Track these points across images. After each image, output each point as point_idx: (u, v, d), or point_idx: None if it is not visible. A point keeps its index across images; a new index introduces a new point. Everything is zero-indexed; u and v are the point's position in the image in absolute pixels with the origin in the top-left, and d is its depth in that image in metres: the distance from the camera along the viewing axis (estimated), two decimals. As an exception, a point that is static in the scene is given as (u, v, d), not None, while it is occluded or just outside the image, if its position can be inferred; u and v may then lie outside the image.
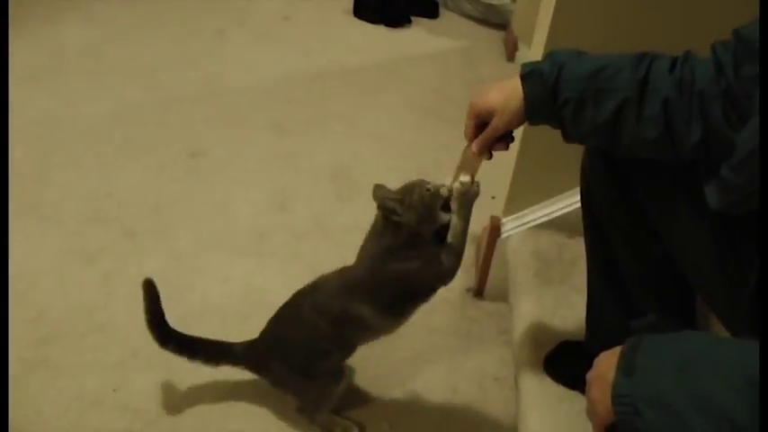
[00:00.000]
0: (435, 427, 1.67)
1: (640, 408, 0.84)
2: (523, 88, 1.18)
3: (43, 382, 1.71)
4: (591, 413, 0.97)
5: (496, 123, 1.24)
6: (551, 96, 1.16)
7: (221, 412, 1.67)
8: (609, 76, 1.12)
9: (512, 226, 1.86)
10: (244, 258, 2.08)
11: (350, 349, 1.53)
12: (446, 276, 1.40)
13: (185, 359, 1.58)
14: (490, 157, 1.31)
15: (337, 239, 2.16)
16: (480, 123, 1.27)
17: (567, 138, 1.21)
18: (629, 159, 1.23)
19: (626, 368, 0.88)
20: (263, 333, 1.59)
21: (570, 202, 1.79)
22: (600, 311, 1.48)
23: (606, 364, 0.93)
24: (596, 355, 1.49)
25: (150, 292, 1.57)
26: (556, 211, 1.81)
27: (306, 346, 1.51)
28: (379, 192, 1.38)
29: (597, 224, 1.40)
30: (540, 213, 1.83)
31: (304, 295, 1.52)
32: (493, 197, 2.26)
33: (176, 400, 1.69)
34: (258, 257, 2.08)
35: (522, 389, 1.54)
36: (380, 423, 1.67)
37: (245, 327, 1.74)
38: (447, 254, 1.37)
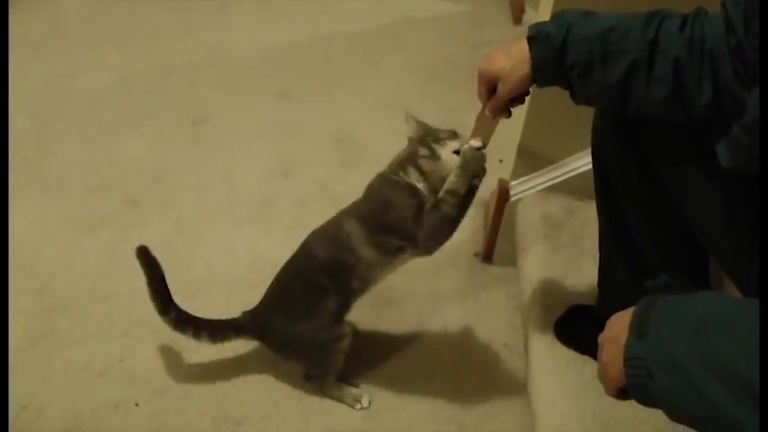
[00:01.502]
0: (444, 395, 1.65)
1: (653, 371, 0.81)
2: (530, 51, 1.16)
3: (49, 352, 1.70)
4: (602, 376, 0.94)
5: (502, 91, 1.24)
6: (559, 58, 1.14)
7: (228, 382, 1.65)
8: (617, 36, 1.09)
9: (520, 189, 1.82)
10: (248, 226, 2.06)
11: (346, 292, 1.50)
12: (419, 237, 1.41)
13: (189, 336, 1.56)
14: (509, 115, 1.31)
15: (343, 205, 2.12)
16: (491, 88, 1.26)
17: (576, 99, 1.19)
18: (640, 119, 1.19)
19: (639, 330, 0.85)
20: (265, 294, 1.59)
21: (580, 164, 1.76)
22: (612, 274, 1.45)
23: (618, 325, 0.90)
24: (608, 318, 1.48)
25: (146, 259, 1.55)
26: (565, 173, 1.78)
27: (303, 284, 1.51)
28: (410, 117, 1.46)
29: (609, 185, 1.37)
30: (549, 176, 1.80)
31: (312, 233, 1.55)
32: (501, 160, 2.22)
33: (182, 370, 1.67)
34: (262, 225, 2.05)
35: (532, 354, 1.52)
36: (388, 391, 1.65)
37: (250, 295, 1.72)
38: (430, 213, 1.39)
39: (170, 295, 1.56)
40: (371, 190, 1.48)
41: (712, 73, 1.03)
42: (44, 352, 1.69)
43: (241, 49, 2.85)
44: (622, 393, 0.90)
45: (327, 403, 1.62)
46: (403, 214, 1.40)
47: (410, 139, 1.46)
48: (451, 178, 1.36)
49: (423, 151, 1.41)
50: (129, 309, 1.79)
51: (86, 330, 1.75)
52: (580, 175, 1.76)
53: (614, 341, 0.89)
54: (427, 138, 1.42)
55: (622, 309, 1.42)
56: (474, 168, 1.36)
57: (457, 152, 1.37)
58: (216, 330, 1.57)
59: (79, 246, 1.97)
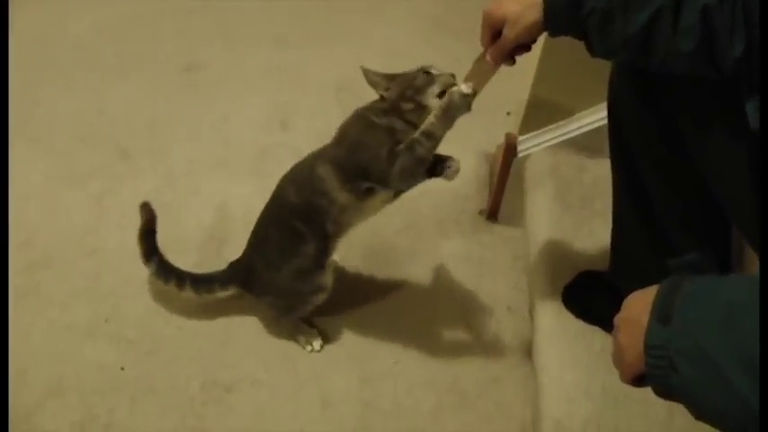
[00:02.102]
0: (444, 361, 1.58)
1: (676, 361, 0.73)
2: None
3: (33, 310, 1.63)
4: (618, 360, 0.86)
5: (507, 35, 1.13)
6: (575, 5, 1.03)
7: (219, 345, 1.59)
8: None
9: (528, 145, 1.72)
10: (242, 179, 1.96)
11: (321, 236, 1.45)
12: (390, 177, 1.34)
13: (173, 286, 1.54)
14: (512, 62, 1.20)
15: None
16: (496, 33, 1.15)
17: (593, 51, 1.08)
18: (662, 75, 1.09)
19: (662, 315, 0.76)
20: (247, 243, 1.57)
21: (592, 119, 1.65)
22: (626, 239, 1.36)
23: (639, 306, 0.81)
24: (620, 287, 1.39)
25: (146, 212, 1.57)
26: (577, 129, 1.67)
27: (278, 230, 1.49)
28: (369, 73, 1.37)
29: (625, 146, 1.27)
30: (559, 132, 1.69)
31: (285, 174, 1.51)
32: (508, 113, 2.12)
33: (172, 332, 1.60)
34: (257, 178, 1.95)
35: (538, 322, 1.44)
36: (385, 356, 1.58)
37: (240, 252, 1.65)
38: (403, 155, 1.31)
39: (156, 244, 1.56)
40: (345, 131, 1.42)
41: (745, 23, 0.92)
42: (27, 311, 1.62)
43: (238, -9, 2.72)
44: (638, 381, 0.82)
45: (321, 368, 1.56)
46: (376, 153, 1.33)
47: (382, 97, 1.38)
48: (431, 119, 1.29)
49: (407, 105, 1.33)
50: (116, 265, 1.72)
51: (71, 288, 1.67)
52: (593, 131, 1.65)
53: (634, 323, 0.81)
54: (407, 91, 1.33)
55: (636, 276, 1.33)
56: (457, 114, 1.27)
57: (442, 93, 1.29)
58: (199, 282, 1.56)
59: (66, 198, 1.88)
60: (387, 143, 1.32)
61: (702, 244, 1.26)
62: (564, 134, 1.68)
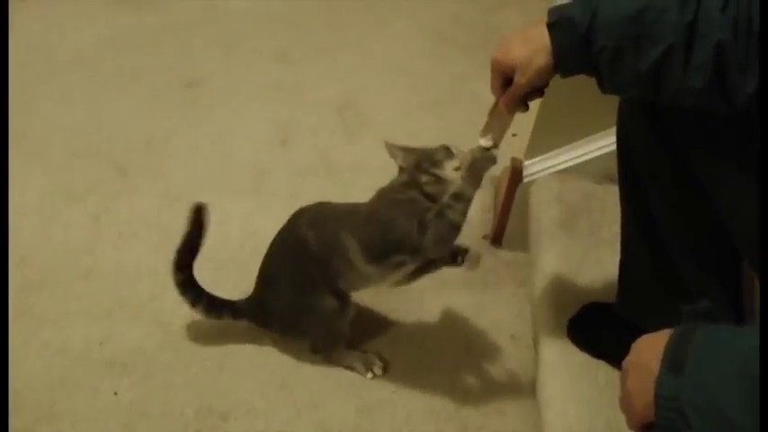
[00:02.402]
0: (444, 390, 1.54)
1: (688, 414, 0.70)
2: (551, 38, 1.03)
3: (27, 331, 1.59)
4: (626, 406, 0.83)
5: (519, 81, 1.10)
6: (584, 45, 1.00)
7: (214, 369, 1.55)
8: (651, 19, 0.95)
9: (535, 169, 1.69)
10: (242, 198, 1.93)
11: (333, 288, 1.44)
12: (424, 247, 1.33)
13: (187, 301, 1.50)
14: (526, 109, 1.18)
15: (343, 178, 2.00)
16: (506, 80, 1.13)
17: (603, 88, 1.06)
18: (673, 106, 1.06)
19: (674, 363, 0.73)
20: (257, 278, 1.53)
21: (600, 145, 1.63)
22: (634, 272, 1.33)
23: (649, 351, 0.78)
24: (626, 320, 1.36)
25: (197, 218, 1.49)
26: (584, 154, 1.65)
27: (292, 270, 1.46)
28: (390, 146, 1.39)
29: (635, 177, 1.24)
30: (566, 156, 1.67)
31: (303, 212, 1.49)
32: (514, 134, 2.09)
33: (166, 356, 1.56)
34: (257, 197, 1.93)
35: (542, 356, 1.40)
36: (384, 385, 1.54)
37: (243, 274, 1.64)
38: (434, 223, 1.31)
39: (193, 259, 1.50)
40: (371, 212, 1.40)
41: (760, 59, 0.89)
42: (20, 332, 1.58)
43: (239, 5, 2.69)
44: (646, 429, 0.79)
45: (319, 396, 1.52)
46: (406, 227, 1.32)
47: (401, 168, 1.39)
48: (458, 181, 1.30)
49: (425, 178, 1.34)
50: (112, 287, 1.68)
51: (66, 309, 1.63)
52: (601, 156, 1.62)
53: (643, 369, 0.78)
54: (423, 164, 1.35)
55: (643, 310, 1.32)
56: (483, 170, 1.28)
57: (458, 168, 1.32)
58: (213, 305, 1.53)
59: (62, 216, 1.85)
60: (415, 215, 1.31)
61: (713, 281, 1.23)
62: (571, 159, 1.66)
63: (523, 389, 1.54)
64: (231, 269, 1.72)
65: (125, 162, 2.00)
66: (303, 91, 2.28)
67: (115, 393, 1.49)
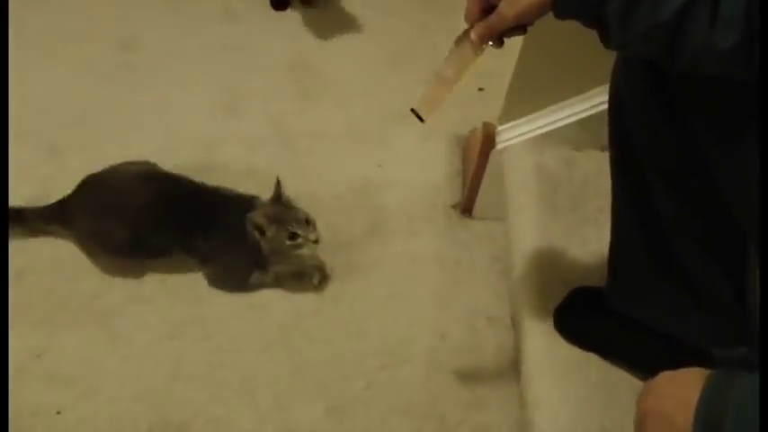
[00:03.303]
0: (420, 383, 1.43)
1: None
2: None
3: (-47, 346, 1.43)
4: None
5: (505, 13, 0.90)
6: None
7: (167, 375, 1.41)
8: None
9: (509, 135, 1.54)
10: (189, 175, 1.75)
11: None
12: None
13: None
14: (500, 45, 0.97)
15: (300, 148, 1.84)
16: (487, 7, 0.94)
17: (608, 41, 0.88)
18: (683, 75, 0.90)
19: (710, 422, 0.61)
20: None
21: (582, 108, 1.48)
22: (626, 255, 1.20)
23: (675, 401, 0.67)
24: (618, 310, 1.24)
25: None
26: (563, 118, 1.50)
27: None
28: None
29: (630, 152, 1.09)
30: (543, 121, 1.52)
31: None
32: (480, 89, 1.94)
33: (113, 364, 1.42)
34: (206, 173, 1.72)
35: (527, 349, 1.28)
36: (355, 380, 1.43)
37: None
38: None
39: None
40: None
41: (761, 59, 0.75)
42: (-55, 347, 1.42)
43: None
44: None
45: (283, 397, 1.40)
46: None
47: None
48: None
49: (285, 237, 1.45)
50: (49, 288, 1.52)
51: (-4, 318, 1.47)
52: (578, 122, 1.48)
53: (668, 423, 0.65)
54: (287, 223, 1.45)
55: (636, 299, 1.20)
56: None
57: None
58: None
59: (-13, 207, 1.65)
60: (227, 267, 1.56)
61: (715, 267, 1.10)
62: (549, 124, 1.51)
63: (504, 376, 1.43)
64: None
65: (57, 140, 1.80)
66: (251, 51, 2.07)
67: (58, 412, 1.34)
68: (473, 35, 0.96)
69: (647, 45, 0.86)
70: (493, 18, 0.93)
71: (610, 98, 1.11)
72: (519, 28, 0.94)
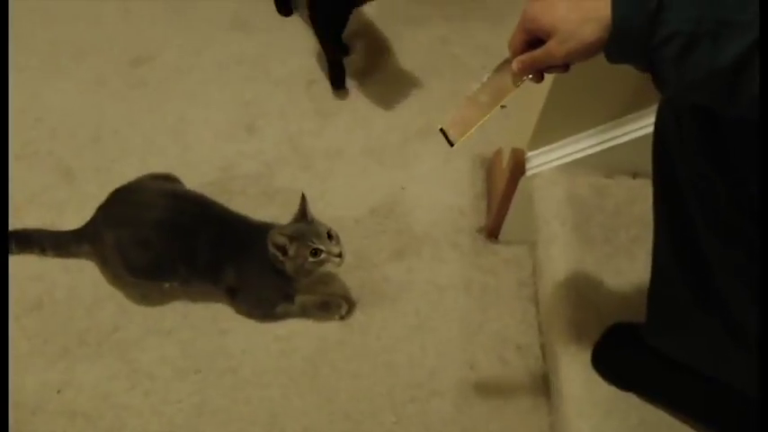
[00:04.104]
0: (451, 415, 1.40)
1: None
2: (614, 8, 0.80)
3: (-29, 380, 1.39)
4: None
5: (555, 50, 0.86)
6: (650, 26, 0.78)
7: (192, 412, 1.38)
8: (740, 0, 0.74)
9: (539, 162, 1.50)
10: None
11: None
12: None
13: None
14: (540, 79, 0.94)
15: (320, 169, 1.79)
16: (534, 40, 0.90)
17: (663, 87, 0.83)
18: (738, 120, 0.86)
19: None
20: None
21: (614, 134, 1.44)
22: (669, 292, 1.15)
23: None
24: (659, 348, 1.20)
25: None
26: (596, 144, 1.45)
27: None
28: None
29: (674, 190, 1.05)
30: (575, 147, 1.47)
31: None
32: (503, 106, 1.89)
33: (136, 399, 1.39)
34: (223, 195, 1.68)
35: (564, 389, 1.25)
36: (384, 414, 1.40)
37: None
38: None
39: None
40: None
41: (761, 60, 0.71)
42: (-37, 383, 1.38)
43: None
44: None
45: (310, 430, 1.37)
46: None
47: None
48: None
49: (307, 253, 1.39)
50: (67, 319, 1.49)
51: (15, 353, 1.43)
52: (610, 149, 1.44)
53: None
54: (308, 239, 1.39)
55: (680, 338, 1.16)
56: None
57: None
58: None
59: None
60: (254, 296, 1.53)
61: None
62: (581, 150, 1.46)
63: (535, 407, 1.40)
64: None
65: (70, 163, 1.76)
66: (267, 65, 2.02)
67: (81, 452, 1.31)
68: (515, 66, 0.93)
69: (702, 91, 0.82)
70: (539, 53, 0.89)
71: (655, 133, 1.07)
72: (563, 66, 0.91)
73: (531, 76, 0.93)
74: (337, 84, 1.94)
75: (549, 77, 1.36)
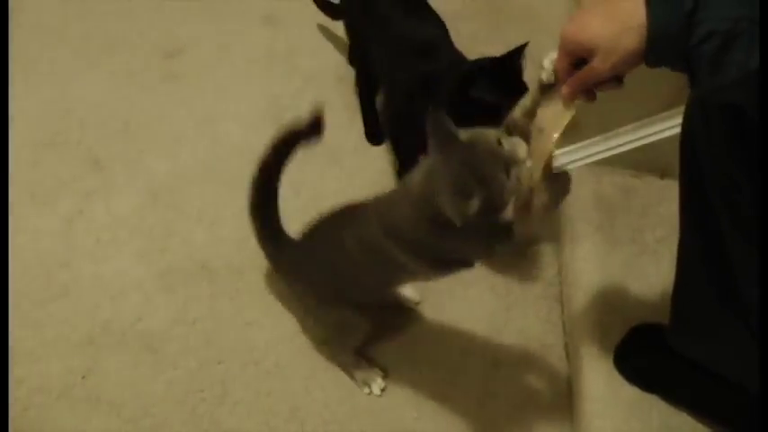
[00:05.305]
0: (474, 413, 1.39)
1: None
2: (648, 14, 0.81)
3: (-3, 367, 1.41)
4: None
5: (599, 67, 0.88)
6: (686, 27, 0.77)
7: (215, 401, 1.39)
8: None
9: (566, 160, 1.48)
10: (235, 193, 1.67)
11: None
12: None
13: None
14: (593, 98, 0.97)
15: (348, 165, 1.79)
16: (578, 61, 0.91)
17: (698, 87, 0.83)
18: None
19: None
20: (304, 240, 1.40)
21: (641, 134, 1.40)
22: (694, 295, 1.14)
23: None
24: (682, 351, 1.19)
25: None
26: (623, 144, 1.43)
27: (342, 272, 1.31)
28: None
29: (702, 194, 1.04)
30: (602, 146, 1.45)
31: (344, 226, 1.29)
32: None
33: (159, 388, 1.40)
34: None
35: (586, 389, 1.24)
36: (406, 409, 1.39)
37: (239, 283, 1.52)
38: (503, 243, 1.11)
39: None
40: (415, 233, 1.14)
41: (761, 59, 0.73)
42: (-11, 368, 1.40)
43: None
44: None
45: (333, 426, 1.38)
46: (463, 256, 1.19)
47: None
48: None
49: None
50: (92, 307, 1.50)
51: (40, 339, 1.44)
52: (639, 147, 1.42)
53: None
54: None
55: (704, 341, 1.15)
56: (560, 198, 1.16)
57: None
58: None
59: (30, 222, 1.63)
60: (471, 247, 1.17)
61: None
62: (608, 150, 1.44)
63: (558, 407, 1.39)
64: (227, 277, 1.55)
65: (99, 153, 1.78)
66: (297, 60, 2.03)
67: (105, 438, 1.33)
68: (564, 91, 0.96)
69: (739, 90, 0.81)
70: (584, 73, 0.91)
71: (683, 133, 1.06)
72: (615, 80, 0.92)
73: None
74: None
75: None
